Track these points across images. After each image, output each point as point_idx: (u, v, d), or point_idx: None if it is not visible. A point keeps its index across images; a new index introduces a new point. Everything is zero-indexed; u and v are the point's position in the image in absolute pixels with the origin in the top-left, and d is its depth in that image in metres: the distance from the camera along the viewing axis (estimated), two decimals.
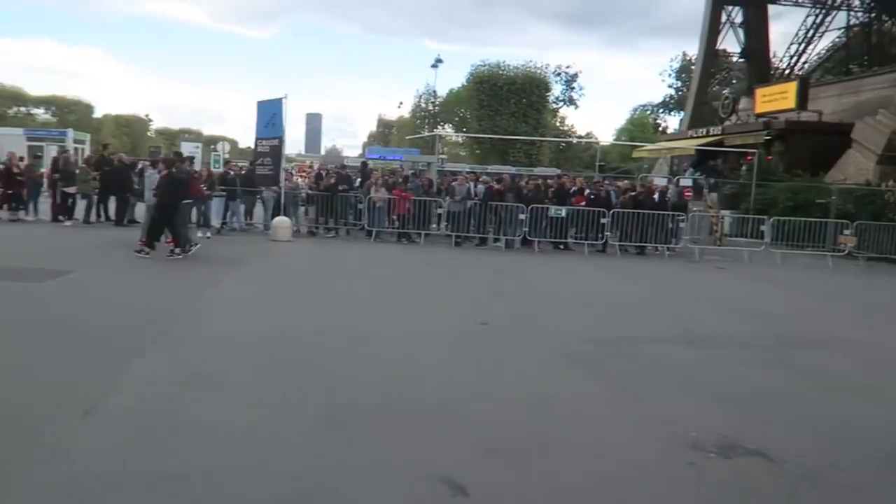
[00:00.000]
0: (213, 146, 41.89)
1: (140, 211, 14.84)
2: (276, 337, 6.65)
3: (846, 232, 16.45)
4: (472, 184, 17.51)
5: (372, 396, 5.03)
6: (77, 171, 16.33)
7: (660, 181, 22.42)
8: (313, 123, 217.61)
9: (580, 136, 64.09)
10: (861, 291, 13.11)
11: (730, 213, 21.39)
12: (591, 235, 16.29)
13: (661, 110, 68.25)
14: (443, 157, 41.09)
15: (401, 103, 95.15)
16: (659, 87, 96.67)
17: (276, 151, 16.71)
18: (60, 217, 15.85)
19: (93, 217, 16.14)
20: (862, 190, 19.27)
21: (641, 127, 66.03)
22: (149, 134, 74.42)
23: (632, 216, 16.09)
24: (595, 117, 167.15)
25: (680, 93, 63.68)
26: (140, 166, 17.59)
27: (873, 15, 33.21)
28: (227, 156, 37.07)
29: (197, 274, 10.42)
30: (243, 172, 18.20)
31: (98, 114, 67.58)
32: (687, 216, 17.12)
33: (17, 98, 60.62)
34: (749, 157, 26.84)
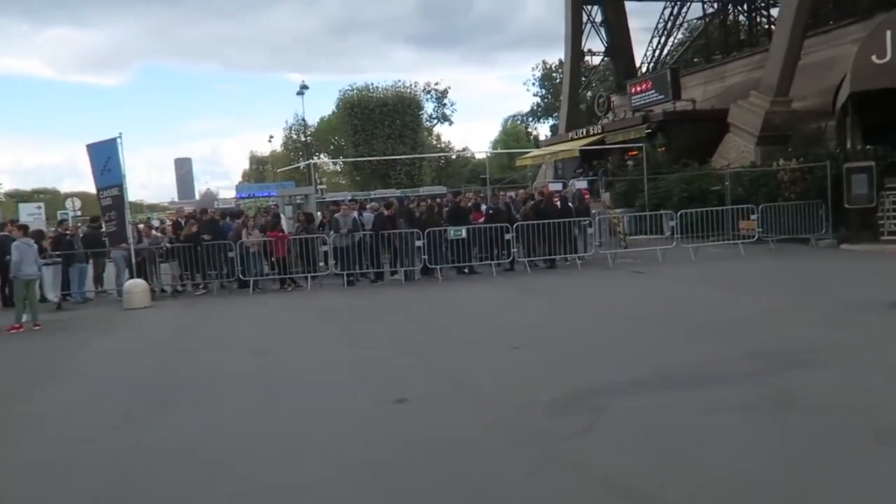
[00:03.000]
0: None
1: None
2: (95, 473, 4.36)
3: (753, 217, 15.83)
4: (356, 213, 15.54)
5: None
6: None
7: (554, 186, 21.37)
8: (183, 168, 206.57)
9: (459, 151, 63.80)
10: (792, 279, 12.22)
11: (626, 210, 20.67)
12: (496, 254, 14.72)
13: (531, 119, 69.25)
14: (322, 187, 38.74)
15: (271, 137, 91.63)
16: (525, 97, 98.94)
17: (118, 202, 13.98)
18: None
19: None
20: (755, 172, 18.94)
21: (516, 136, 66.61)
22: None
23: (537, 227, 14.65)
24: (469, 132, 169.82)
25: (545, 100, 64.76)
26: None
27: (724, 3, 34.33)
28: (77, 213, 33.15)
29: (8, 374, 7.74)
30: (84, 232, 15.82)
31: None
32: (592, 220, 15.91)
33: None
34: (632, 153, 26.58)
